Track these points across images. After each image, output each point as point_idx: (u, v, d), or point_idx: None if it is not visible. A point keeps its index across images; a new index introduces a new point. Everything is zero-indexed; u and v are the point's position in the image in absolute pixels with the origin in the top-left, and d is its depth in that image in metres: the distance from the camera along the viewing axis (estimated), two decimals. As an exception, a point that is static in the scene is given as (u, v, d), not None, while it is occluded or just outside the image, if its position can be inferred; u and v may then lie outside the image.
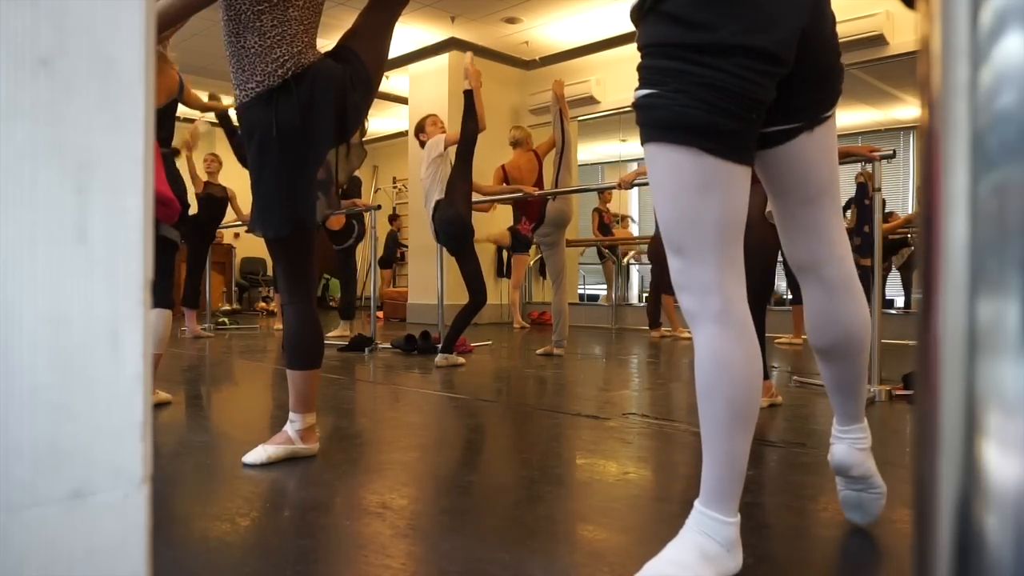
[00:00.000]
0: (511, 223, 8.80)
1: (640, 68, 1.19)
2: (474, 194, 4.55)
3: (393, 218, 10.71)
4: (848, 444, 1.44)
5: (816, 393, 3.37)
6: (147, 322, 0.40)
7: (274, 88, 1.95)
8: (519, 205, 5.10)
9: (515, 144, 5.29)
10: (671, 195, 1.18)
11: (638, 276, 10.03)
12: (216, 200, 6.30)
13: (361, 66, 2.07)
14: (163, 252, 2.98)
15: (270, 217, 2.01)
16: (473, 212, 4.50)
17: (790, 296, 5.85)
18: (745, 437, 1.18)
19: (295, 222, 2.01)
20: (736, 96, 1.11)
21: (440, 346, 4.46)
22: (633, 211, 10.38)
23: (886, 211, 7.14)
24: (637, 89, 1.19)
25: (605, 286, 8.97)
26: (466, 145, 4.34)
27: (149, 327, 0.40)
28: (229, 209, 6.46)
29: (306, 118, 1.96)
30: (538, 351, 5.02)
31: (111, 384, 0.38)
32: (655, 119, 1.16)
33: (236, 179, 7.17)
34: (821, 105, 1.26)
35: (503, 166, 5.19)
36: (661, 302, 6.52)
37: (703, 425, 1.21)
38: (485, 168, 6.40)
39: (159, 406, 2.94)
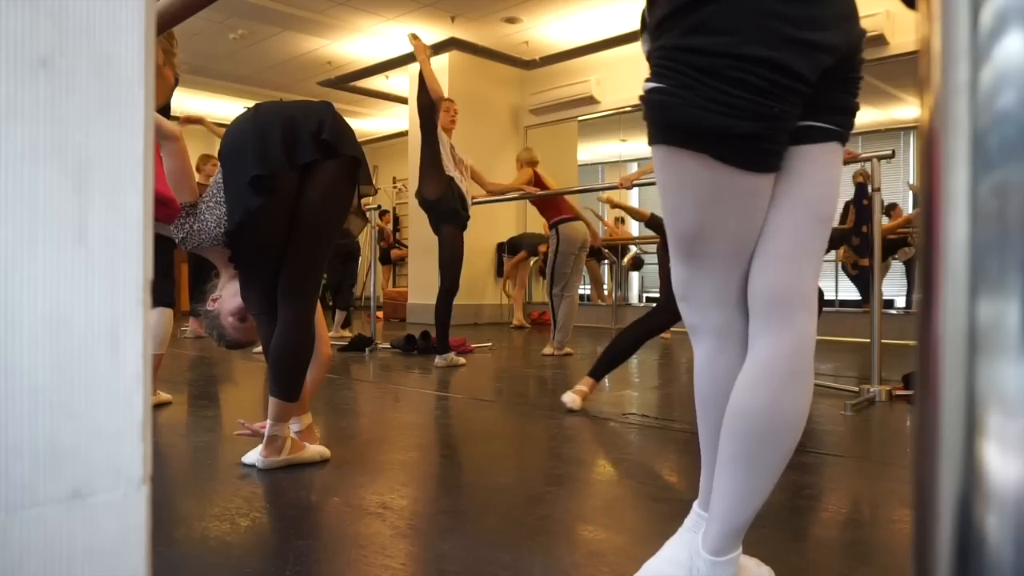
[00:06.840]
0: (514, 223, 8.76)
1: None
2: (477, 193, 4.48)
3: (382, 213, 10.65)
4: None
5: (815, 392, 3.36)
6: (147, 322, 0.40)
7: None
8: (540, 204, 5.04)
9: (531, 163, 5.17)
10: (680, 204, 1.07)
11: (638, 276, 10.02)
12: None
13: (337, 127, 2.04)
14: (162, 251, 2.96)
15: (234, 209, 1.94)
16: (472, 207, 4.41)
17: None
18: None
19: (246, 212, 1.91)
20: (762, 89, 0.96)
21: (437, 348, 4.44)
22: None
23: (889, 203, 7.13)
24: (646, 80, 1.05)
25: (594, 286, 8.96)
26: (423, 121, 4.27)
27: (149, 327, 0.40)
28: None
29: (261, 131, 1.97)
30: (544, 351, 5.02)
31: (111, 384, 0.38)
32: (664, 120, 1.03)
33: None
34: (847, 117, 1.09)
35: (535, 171, 5.06)
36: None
37: (700, 433, 1.21)
38: (491, 167, 6.39)
39: (159, 406, 2.93)
